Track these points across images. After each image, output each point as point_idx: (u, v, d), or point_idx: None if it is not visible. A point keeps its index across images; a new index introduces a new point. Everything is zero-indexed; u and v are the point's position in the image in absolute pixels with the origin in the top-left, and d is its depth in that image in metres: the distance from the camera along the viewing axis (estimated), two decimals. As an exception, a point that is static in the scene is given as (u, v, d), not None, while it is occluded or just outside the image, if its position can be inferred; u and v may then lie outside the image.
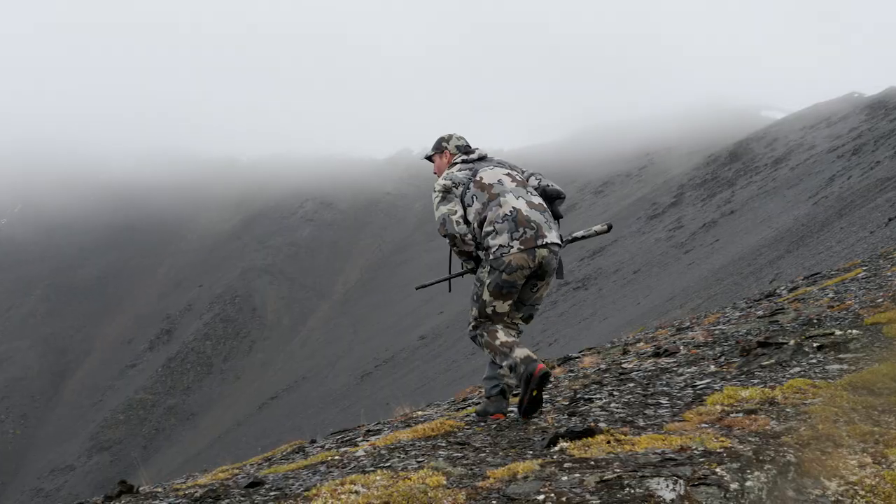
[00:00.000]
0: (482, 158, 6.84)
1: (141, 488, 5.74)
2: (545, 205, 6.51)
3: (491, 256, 6.21)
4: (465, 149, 6.93)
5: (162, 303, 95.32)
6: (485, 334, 6.37)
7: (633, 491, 3.70)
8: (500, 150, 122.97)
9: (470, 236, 6.32)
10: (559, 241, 6.36)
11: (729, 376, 6.26)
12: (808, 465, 4.07)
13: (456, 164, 6.78)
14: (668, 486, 3.69)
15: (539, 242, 6.14)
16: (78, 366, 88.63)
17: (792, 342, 6.85)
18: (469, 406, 8.06)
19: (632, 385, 6.69)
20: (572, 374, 8.45)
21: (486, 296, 6.28)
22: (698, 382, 6.23)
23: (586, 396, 6.46)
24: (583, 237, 6.97)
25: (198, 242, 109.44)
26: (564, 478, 4.02)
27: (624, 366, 8.06)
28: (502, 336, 6.28)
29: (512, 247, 6.11)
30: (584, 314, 44.48)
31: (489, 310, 6.31)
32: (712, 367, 6.83)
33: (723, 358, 7.14)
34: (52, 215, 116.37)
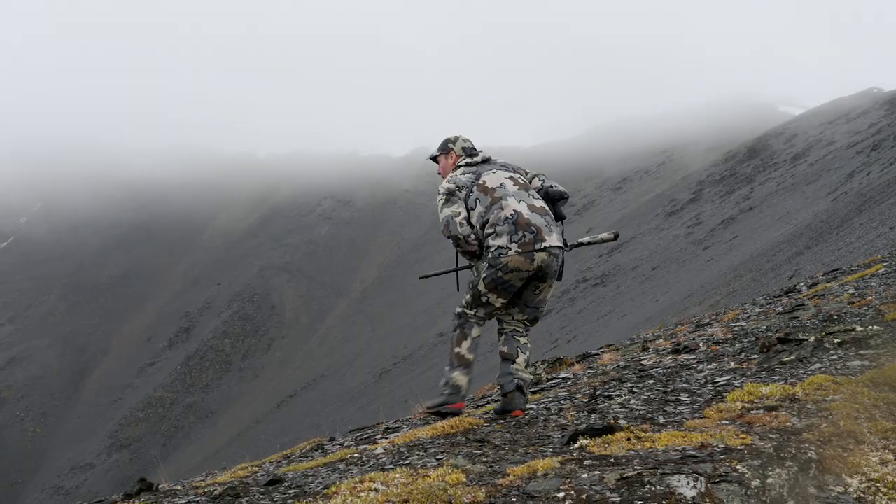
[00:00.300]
0: (486, 161, 6.95)
1: (160, 486, 5.75)
2: (547, 207, 6.62)
3: (490, 255, 6.33)
4: (470, 151, 7.04)
5: (181, 301, 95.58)
6: (459, 330, 6.60)
7: (653, 488, 3.68)
8: (518, 148, 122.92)
9: (473, 237, 6.47)
10: (560, 244, 6.46)
11: (749, 373, 6.23)
12: (829, 462, 4.04)
13: (460, 166, 6.89)
14: (688, 483, 3.68)
15: (538, 246, 6.27)
16: (97, 364, 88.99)
17: (812, 338, 6.81)
18: (488, 403, 8.05)
19: (651, 382, 6.66)
20: (591, 371, 8.43)
21: (481, 287, 6.44)
22: (718, 379, 6.20)
23: (606, 393, 6.44)
24: (588, 243, 7.17)
25: (216, 240, 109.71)
26: (584, 475, 4.01)
27: (643, 363, 8.02)
28: (465, 348, 6.54)
29: (510, 249, 6.25)
30: (602, 311, 44.39)
31: (484, 299, 6.48)
32: (732, 363, 6.79)
33: (743, 354, 7.10)
34: (72, 214, 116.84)
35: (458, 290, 7.33)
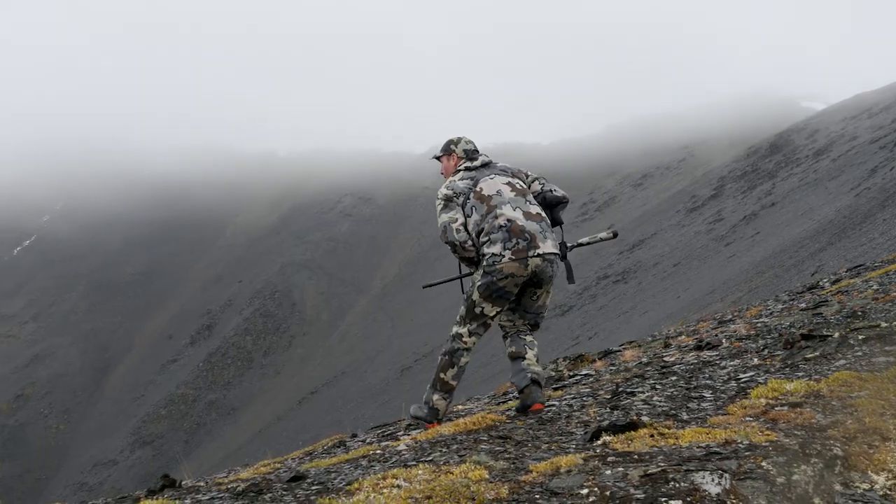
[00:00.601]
0: (486, 165, 7.01)
1: (183, 483, 5.77)
2: (543, 213, 6.68)
3: (485, 262, 6.43)
4: (471, 154, 7.09)
5: (203, 298, 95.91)
6: (448, 357, 6.67)
7: (677, 485, 3.67)
8: (539, 145, 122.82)
9: (470, 243, 6.57)
10: (555, 251, 6.53)
11: (773, 369, 6.19)
12: (855, 458, 4.02)
13: (459, 171, 6.98)
14: (713, 480, 3.66)
15: (531, 253, 6.34)
16: (119, 361, 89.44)
17: (836, 334, 6.76)
18: (509, 400, 8.05)
19: (674, 378, 6.63)
20: (613, 368, 8.41)
21: (475, 296, 6.52)
22: (742, 375, 6.17)
23: (628, 390, 6.42)
24: (588, 243, 7.24)
25: (237, 238, 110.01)
26: (608, 472, 4.00)
27: (666, 359, 7.99)
28: (450, 376, 6.65)
29: (504, 256, 6.33)
30: (623, 308, 44.29)
31: (477, 310, 6.55)
32: (755, 360, 6.75)
33: (766, 351, 7.06)
34: (94, 212, 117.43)
35: (463, 293, 7.40)
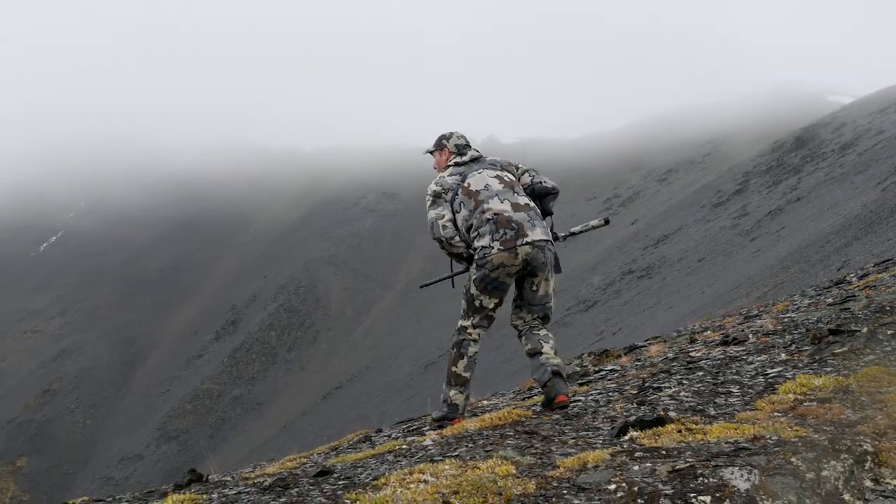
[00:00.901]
0: (475, 160, 7.08)
1: (210, 477, 5.79)
2: (532, 203, 6.74)
3: (476, 256, 6.54)
4: (461, 149, 7.18)
5: (227, 294, 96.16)
6: (456, 349, 6.82)
7: (706, 481, 3.65)
8: (561, 140, 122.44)
9: (458, 238, 6.73)
10: (546, 237, 6.57)
11: (800, 364, 6.15)
12: (885, 454, 3.99)
13: (449, 166, 7.09)
14: (742, 475, 3.64)
15: (519, 242, 6.40)
16: (146, 356, 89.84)
17: (865, 329, 6.70)
18: (534, 395, 8.04)
19: (701, 374, 6.60)
20: (639, 363, 8.38)
21: (473, 290, 6.64)
22: (769, 371, 6.13)
23: (655, 385, 6.40)
24: (580, 232, 7.36)
25: (262, 234, 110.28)
26: (636, 467, 3.98)
27: (692, 354, 7.95)
28: (461, 367, 6.75)
29: (493, 247, 6.41)
30: (648, 303, 44.13)
31: (477, 303, 6.66)
32: (783, 355, 6.71)
33: (793, 346, 7.01)
34: (119, 209, 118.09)
35: (454, 287, 7.51)
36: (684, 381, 6.36)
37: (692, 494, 3.54)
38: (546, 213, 6.89)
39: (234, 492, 4.82)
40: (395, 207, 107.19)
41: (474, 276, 6.57)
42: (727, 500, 3.51)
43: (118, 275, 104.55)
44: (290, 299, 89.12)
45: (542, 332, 6.66)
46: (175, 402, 77.95)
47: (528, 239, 6.41)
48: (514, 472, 4.21)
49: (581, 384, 7.70)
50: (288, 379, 78.92)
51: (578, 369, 9.14)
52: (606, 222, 7.51)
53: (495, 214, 6.50)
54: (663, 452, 4.19)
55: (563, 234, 7.06)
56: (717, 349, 7.87)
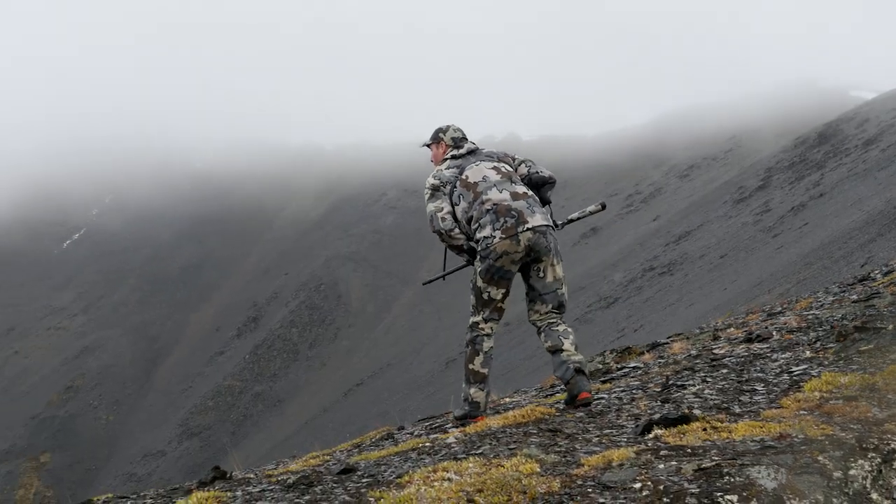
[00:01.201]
0: (472, 153, 7.13)
1: (233, 474, 5.80)
2: (530, 192, 6.77)
3: (479, 248, 6.58)
4: (458, 142, 7.25)
5: (249, 291, 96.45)
6: (471, 346, 6.80)
7: (732, 479, 3.63)
8: (584, 136, 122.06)
9: (457, 230, 6.79)
10: (546, 222, 6.58)
11: (826, 362, 6.10)
12: (913, 453, 3.95)
13: (446, 159, 7.15)
14: (769, 474, 3.62)
15: (520, 228, 6.42)
16: (168, 353, 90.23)
17: (891, 326, 6.65)
18: (557, 392, 8.02)
19: (725, 371, 6.56)
20: (662, 361, 8.34)
21: (479, 282, 6.68)
22: (794, 368, 6.08)
23: (678, 383, 6.36)
24: (578, 218, 7.35)
25: (283, 231, 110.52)
26: (661, 466, 3.96)
27: (715, 351, 7.91)
28: (478, 364, 6.69)
29: (494, 237, 6.43)
30: (669, 300, 44.00)
31: (485, 295, 6.70)
32: (807, 352, 6.66)
33: (818, 343, 6.96)
34: (142, 206, 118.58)
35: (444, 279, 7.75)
36: (708, 379, 6.33)
37: (719, 493, 3.52)
38: (544, 202, 6.89)
39: (258, 489, 4.82)
40: (415, 204, 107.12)
41: (479, 269, 6.60)
42: (754, 500, 3.49)
43: (140, 272, 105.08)
44: (311, 296, 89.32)
45: (562, 327, 6.61)
46: (197, 398, 78.30)
47: (529, 225, 6.44)
48: (538, 470, 4.20)
49: (603, 381, 7.67)
50: (309, 376, 79.10)
51: (601, 366, 9.09)
52: (603, 207, 7.51)
53: (494, 205, 6.54)
54: (689, 451, 4.17)
55: (562, 222, 7.06)
56: (741, 346, 7.82)
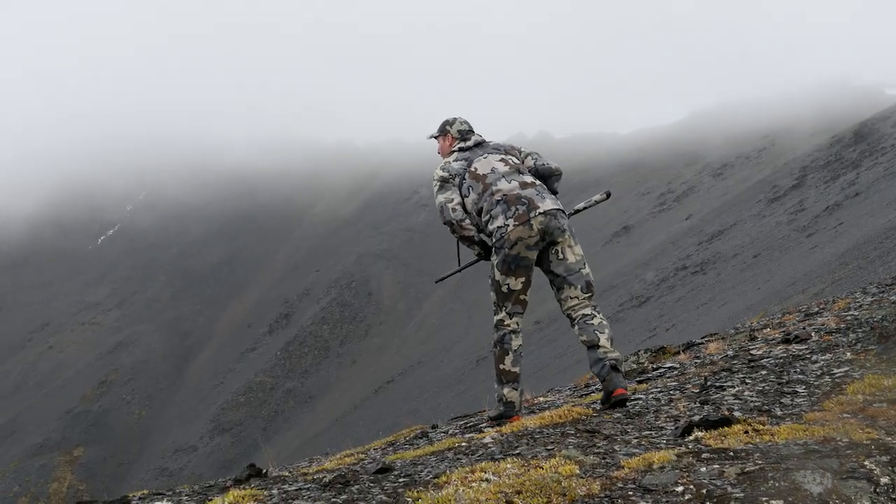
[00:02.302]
0: (479, 145, 7.19)
1: (268, 472, 5.79)
2: (538, 182, 6.80)
3: (494, 239, 6.59)
4: (465, 135, 7.29)
5: (280, 288, 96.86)
6: (499, 346, 6.71)
7: (777, 484, 3.56)
8: (617, 134, 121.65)
9: (468, 221, 6.82)
10: (557, 206, 6.60)
11: (868, 364, 6.01)
12: (961, 458, 3.87)
13: (454, 151, 7.19)
14: (815, 479, 3.55)
15: (532, 214, 6.43)
16: (200, 349, 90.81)
17: (934, 328, 6.56)
18: (592, 392, 7.96)
19: (764, 373, 6.48)
20: (698, 361, 8.26)
21: (497, 276, 6.62)
22: (835, 370, 5.99)
23: (717, 384, 6.29)
24: (584, 208, 7.41)
25: (315, 228, 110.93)
26: (703, 469, 3.91)
27: (753, 352, 7.81)
28: (508, 363, 6.62)
29: (508, 225, 6.45)
30: (702, 299, 43.72)
31: (504, 288, 6.63)
32: (848, 354, 6.56)
33: (859, 345, 6.86)
34: (175, 202, 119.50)
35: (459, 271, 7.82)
36: (747, 380, 6.25)
37: (763, 498, 3.46)
38: (552, 193, 6.88)
39: (294, 488, 4.80)
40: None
41: (496, 261, 6.59)
42: (799, 505, 3.43)
43: (173, 268, 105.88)
44: (342, 293, 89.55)
45: (596, 320, 6.53)
46: (228, 394, 78.71)
47: (541, 210, 6.46)
48: (577, 472, 4.15)
49: (640, 382, 7.60)
50: (340, 372, 79.31)
51: (635, 366, 9.01)
52: (608, 195, 7.47)
53: (504, 195, 6.58)
54: (731, 454, 4.11)
55: (569, 213, 7.01)
56: (779, 347, 7.73)
